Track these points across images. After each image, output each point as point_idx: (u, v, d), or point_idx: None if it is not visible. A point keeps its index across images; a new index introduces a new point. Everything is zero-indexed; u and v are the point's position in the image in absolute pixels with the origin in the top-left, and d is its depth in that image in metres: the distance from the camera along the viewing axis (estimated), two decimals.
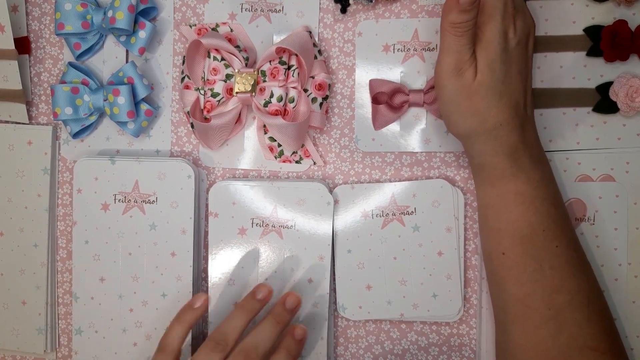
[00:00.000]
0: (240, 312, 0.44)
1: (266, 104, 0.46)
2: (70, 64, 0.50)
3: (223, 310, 0.49)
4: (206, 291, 0.50)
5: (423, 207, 0.48)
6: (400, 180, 0.49)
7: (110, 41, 0.51)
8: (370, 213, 0.48)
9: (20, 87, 0.50)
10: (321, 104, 0.48)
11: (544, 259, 0.40)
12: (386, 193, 0.48)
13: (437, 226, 0.48)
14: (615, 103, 0.45)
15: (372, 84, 0.48)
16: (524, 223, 0.40)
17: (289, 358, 0.43)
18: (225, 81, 0.47)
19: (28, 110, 0.52)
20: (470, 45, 0.39)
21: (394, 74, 0.49)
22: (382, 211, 0.48)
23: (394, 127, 0.49)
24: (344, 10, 0.48)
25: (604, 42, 0.45)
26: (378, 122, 0.49)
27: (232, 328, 0.43)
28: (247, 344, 0.42)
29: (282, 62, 0.46)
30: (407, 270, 0.48)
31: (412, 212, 0.48)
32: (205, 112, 0.48)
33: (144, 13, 0.49)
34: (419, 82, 0.48)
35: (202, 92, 0.48)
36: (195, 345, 0.50)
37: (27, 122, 0.52)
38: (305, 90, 0.47)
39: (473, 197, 0.49)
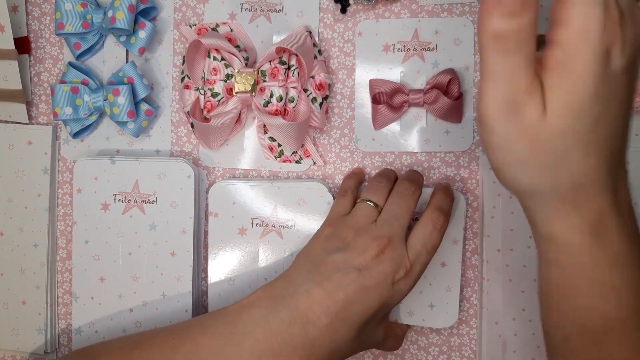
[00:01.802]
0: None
1: (266, 104, 0.46)
2: (70, 64, 0.50)
3: None
4: (206, 291, 0.50)
5: None
6: None
7: (110, 41, 0.51)
8: None
9: (20, 87, 0.50)
10: (321, 104, 0.48)
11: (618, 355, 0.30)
12: None
13: (446, 237, 0.46)
14: None
15: (372, 84, 0.48)
16: (596, 313, 0.30)
17: (449, 195, 0.44)
18: (225, 81, 0.47)
19: (28, 110, 0.52)
20: (528, 66, 0.26)
21: (394, 74, 0.49)
22: None
23: (394, 127, 0.49)
24: (344, 10, 0.48)
25: None
26: (378, 122, 0.49)
27: (388, 170, 0.47)
28: (407, 179, 0.44)
29: (282, 62, 0.46)
30: None
31: None
32: (205, 112, 0.48)
33: (144, 13, 0.49)
34: (419, 82, 0.48)
35: (202, 92, 0.48)
36: None
37: (27, 122, 0.52)
38: (305, 90, 0.47)
39: (473, 197, 0.49)
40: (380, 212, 0.42)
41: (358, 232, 0.40)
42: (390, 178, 0.44)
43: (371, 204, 0.42)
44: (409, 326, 0.49)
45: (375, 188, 0.43)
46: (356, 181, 0.46)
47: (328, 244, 0.41)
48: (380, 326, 0.42)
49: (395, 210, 0.41)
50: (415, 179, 0.44)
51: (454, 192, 0.47)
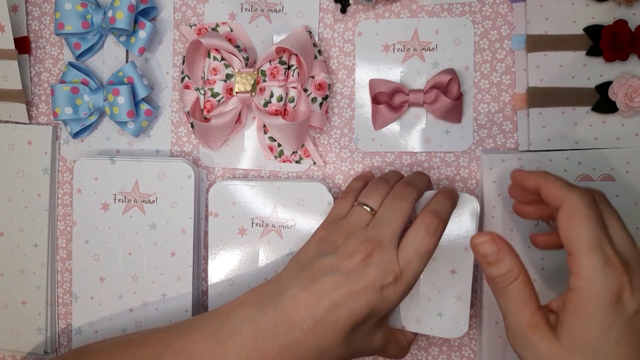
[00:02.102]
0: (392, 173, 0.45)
1: (266, 104, 0.46)
2: (70, 64, 0.50)
3: None
4: (206, 291, 0.50)
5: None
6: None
7: (110, 41, 0.51)
8: None
9: (20, 87, 0.50)
10: (321, 104, 0.48)
11: None
12: None
13: (456, 243, 0.45)
14: (614, 103, 0.45)
15: (372, 84, 0.48)
16: None
17: (449, 198, 0.42)
18: (225, 81, 0.47)
19: (28, 110, 0.52)
20: (525, 303, 0.32)
21: (394, 74, 0.49)
22: None
23: (394, 127, 0.49)
24: (344, 10, 0.48)
25: (603, 41, 0.45)
26: (378, 122, 0.49)
27: (389, 174, 0.45)
28: (405, 181, 0.43)
29: (282, 62, 0.46)
30: (416, 284, 0.45)
31: None
32: (205, 112, 0.48)
33: (144, 13, 0.49)
34: (419, 82, 0.48)
35: (202, 92, 0.48)
36: None
37: (27, 122, 0.52)
38: (305, 90, 0.47)
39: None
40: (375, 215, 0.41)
41: (349, 235, 0.40)
42: (390, 181, 0.43)
43: (366, 207, 0.41)
44: (416, 334, 0.47)
45: (373, 191, 0.42)
46: (362, 184, 0.45)
47: (319, 247, 0.41)
48: (378, 332, 0.42)
49: (388, 213, 0.40)
50: (413, 181, 0.43)
51: (466, 195, 0.45)
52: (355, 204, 0.42)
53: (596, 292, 0.31)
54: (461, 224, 0.44)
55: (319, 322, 0.37)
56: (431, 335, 0.47)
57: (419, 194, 0.42)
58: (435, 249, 0.39)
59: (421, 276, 0.45)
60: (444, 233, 0.42)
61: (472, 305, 0.46)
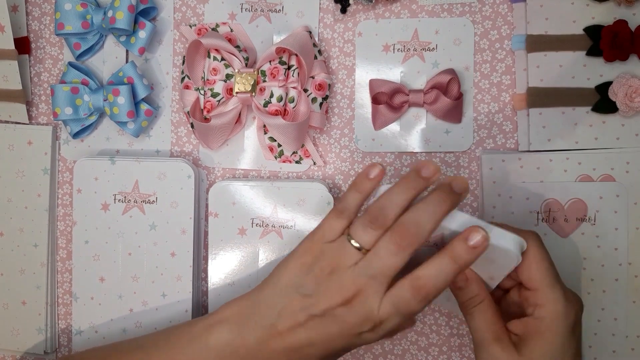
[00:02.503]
0: (404, 188, 0.37)
1: (266, 104, 0.46)
2: (70, 64, 0.50)
3: None
4: (206, 291, 0.50)
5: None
6: None
7: (110, 41, 0.51)
8: None
9: (20, 87, 0.50)
10: (321, 104, 0.48)
11: None
12: None
13: (480, 273, 0.40)
14: (614, 103, 0.45)
15: (372, 84, 0.48)
16: None
17: (453, 266, 0.35)
18: (225, 81, 0.47)
19: (28, 110, 0.52)
20: (493, 315, 0.38)
21: (394, 74, 0.49)
22: None
23: (394, 127, 0.49)
24: (344, 10, 0.48)
25: (603, 41, 0.45)
26: (378, 122, 0.49)
27: (393, 203, 0.37)
28: (410, 222, 0.36)
29: (282, 62, 0.46)
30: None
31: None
32: (205, 112, 0.48)
33: (144, 13, 0.49)
34: (419, 82, 0.48)
35: (202, 92, 0.48)
36: None
37: (27, 122, 0.52)
38: (305, 90, 0.47)
39: (473, 197, 0.49)
40: (366, 253, 0.37)
41: (333, 272, 0.37)
42: (391, 214, 0.36)
43: (355, 243, 0.37)
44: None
45: (366, 228, 0.37)
46: (361, 198, 0.39)
47: (301, 276, 0.38)
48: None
49: (378, 264, 0.36)
50: (417, 226, 0.36)
51: (507, 248, 0.36)
52: (347, 234, 0.37)
53: (559, 321, 0.37)
54: (494, 266, 0.38)
55: (294, 353, 0.37)
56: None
57: (422, 242, 0.36)
58: (420, 312, 0.37)
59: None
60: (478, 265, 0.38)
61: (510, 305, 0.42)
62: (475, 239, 0.35)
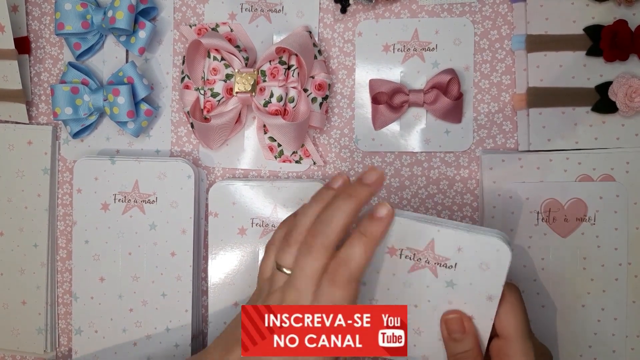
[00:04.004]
0: (315, 202, 0.37)
1: (266, 104, 0.46)
2: (70, 64, 0.50)
3: (223, 310, 0.49)
4: (206, 291, 0.50)
5: (465, 265, 0.38)
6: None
7: (110, 41, 0.51)
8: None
9: (20, 87, 0.50)
10: (321, 104, 0.48)
11: None
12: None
13: (478, 291, 0.38)
14: (614, 103, 0.45)
15: (372, 84, 0.48)
16: None
17: (364, 240, 0.35)
18: (225, 81, 0.47)
19: (28, 110, 0.52)
20: None
21: (394, 74, 0.49)
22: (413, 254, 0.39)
23: (394, 127, 0.49)
24: (344, 10, 0.48)
25: (603, 41, 0.45)
26: (378, 122, 0.49)
27: (305, 216, 0.37)
28: (316, 224, 0.36)
29: (282, 62, 0.46)
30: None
31: (452, 266, 0.38)
32: (205, 112, 0.48)
33: (144, 13, 0.49)
34: (419, 82, 0.48)
35: (202, 92, 0.48)
36: (194, 346, 0.50)
37: (27, 122, 0.52)
38: (305, 90, 0.47)
39: (473, 197, 0.49)
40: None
41: (265, 300, 0.38)
42: (300, 232, 0.37)
43: (285, 271, 0.37)
44: None
45: (284, 250, 0.37)
46: (286, 230, 0.39)
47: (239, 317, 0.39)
48: None
49: (296, 275, 0.36)
50: (322, 229, 0.36)
51: (499, 240, 0.37)
52: (275, 265, 0.38)
53: (522, 343, 0.37)
54: (488, 272, 0.37)
55: None
56: None
57: (332, 240, 0.36)
58: (352, 299, 0.36)
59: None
60: (465, 278, 0.38)
61: (487, 352, 0.40)
62: (381, 211, 0.36)
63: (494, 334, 0.39)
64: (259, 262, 0.48)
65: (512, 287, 0.39)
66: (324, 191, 0.38)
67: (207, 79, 0.48)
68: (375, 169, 0.37)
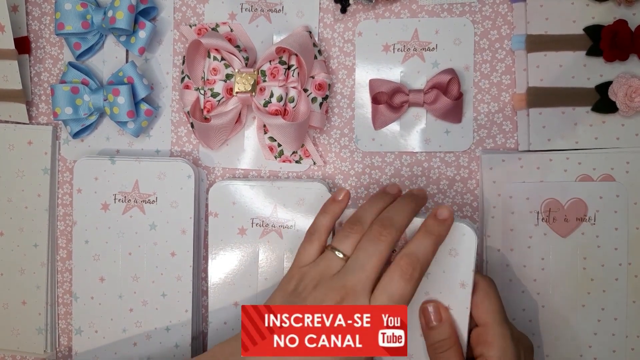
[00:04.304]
0: (374, 202, 0.41)
1: (266, 104, 0.46)
2: (70, 64, 0.50)
3: (223, 310, 0.49)
4: (206, 291, 0.50)
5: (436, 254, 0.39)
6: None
7: (110, 41, 0.51)
8: None
9: (20, 87, 0.50)
10: (321, 104, 0.48)
11: None
12: None
13: (451, 278, 0.40)
14: (614, 103, 0.45)
15: (372, 84, 0.48)
16: None
17: (433, 238, 0.38)
18: (225, 81, 0.47)
19: (28, 110, 0.52)
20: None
21: (394, 74, 0.49)
22: None
23: (394, 127, 0.49)
24: (344, 10, 0.48)
25: (603, 41, 0.45)
26: (378, 122, 0.49)
27: (367, 212, 0.40)
28: (384, 217, 0.39)
29: (282, 62, 0.46)
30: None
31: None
32: (205, 112, 0.48)
33: (144, 13, 0.49)
34: (419, 82, 0.48)
35: (202, 92, 0.48)
36: (194, 346, 0.50)
37: (27, 122, 0.52)
38: (305, 90, 0.47)
39: (473, 197, 0.49)
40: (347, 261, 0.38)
41: (318, 284, 0.38)
42: (365, 220, 0.39)
43: (339, 254, 0.39)
44: None
45: (346, 236, 0.39)
46: (329, 219, 0.41)
47: (286, 299, 0.39)
48: None
49: (361, 258, 0.37)
50: (393, 217, 0.39)
51: (465, 225, 0.40)
52: (328, 247, 0.40)
53: (506, 358, 0.38)
54: (457, 258, 0.40)
55: None
56: None
57: (398, 234, 0.38)
58: (412, 294, 0.37)
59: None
60: (439, 267, 0.40)
61: (468, 342, 0.41)
62: (443, 213, 0.39)
63: (473, 325, 0.40)
64: (260, 262, 0.49)
65: (485, 277, 0.41)
66: (381, 194, 0.42)
67: (207, 79, 0.48)
68: (421, 190, 0.43)
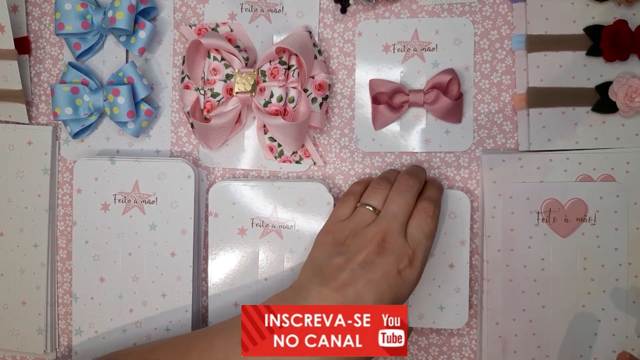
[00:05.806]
0: (390, 171, 0.47)
1: (266, 104, 0.46)
2: (70, 64, 0.50)
3: (223, 310, 0.49)
4: (206, 291, 0.50)
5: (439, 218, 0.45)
6: None
7: (110, 41, 0.51)
8: None
9: (20, 87, 0.50)
10: (321, 104, 0.48)
11: None
12: None
13: (452, 238, 0.48)
14: (614, 103, 0.45)
15: (372, 84, 0.48)
16: None
17: (435, 183, 0.46)
18: (225, 81, 0.47)
19: (28, 110, 0.52)
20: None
21: (394, 74, 0.49)
22: None
23: (394, 127, 0.49)
24: (344, 10, 0.48)
25: (603, 41, 0.45)
26: (378, 122, 0.49)
27: (389, 174, 0.46)
28: (405, 176, 0.44)
29: (282, 62, 0.46)
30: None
31: None
32: (205, 112, 0.48)
33: (144, 13, 0.49)
34: (419, 82, 0.48)
35: (202, 92, 0.48)
36: None
37: (27, 122, 0.52)
38: (305, 90, 0.47)
39: (473, 197, 0.49)
40: (378, 215, 0.43)
41: (356, 234, 0.41)
42: (391, 180, 0.45)
43: (370, 208, 0.43)
44: (411, 329, 0.49)
45: (375, 191, 0.44)
46: (363, 187, 0.46)
47: (329, 249, 0.42)
48: None
49: (393, 208, 0.42)
50: (414, 173, 0.45)
51: (455, 191, 0.48)
52: (358, 205, 0.44)
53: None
54: (456, 219, 0.47)
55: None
56: (434, 327, 0.49)
57: (420, 185, 0.44)
58: (436, 230, 0.43)
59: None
60: (442, 230, 0.47)
61: (470, 295, 0.48)
62: (437, 179, 0.48)
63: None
64: (260, 262, 0.49)
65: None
66: (392, 169, 0.48)
67: (207, 79, 0.48)
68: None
